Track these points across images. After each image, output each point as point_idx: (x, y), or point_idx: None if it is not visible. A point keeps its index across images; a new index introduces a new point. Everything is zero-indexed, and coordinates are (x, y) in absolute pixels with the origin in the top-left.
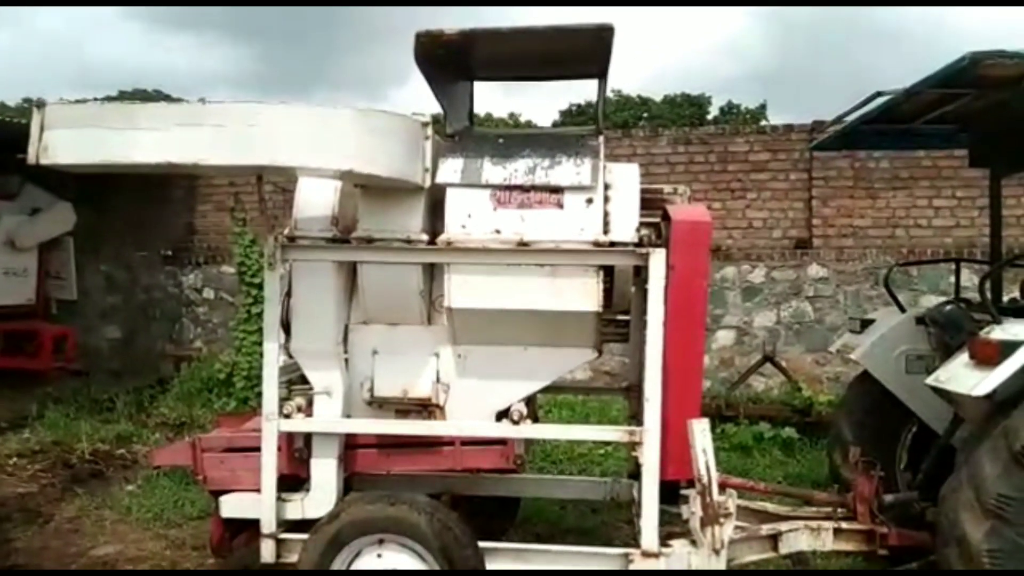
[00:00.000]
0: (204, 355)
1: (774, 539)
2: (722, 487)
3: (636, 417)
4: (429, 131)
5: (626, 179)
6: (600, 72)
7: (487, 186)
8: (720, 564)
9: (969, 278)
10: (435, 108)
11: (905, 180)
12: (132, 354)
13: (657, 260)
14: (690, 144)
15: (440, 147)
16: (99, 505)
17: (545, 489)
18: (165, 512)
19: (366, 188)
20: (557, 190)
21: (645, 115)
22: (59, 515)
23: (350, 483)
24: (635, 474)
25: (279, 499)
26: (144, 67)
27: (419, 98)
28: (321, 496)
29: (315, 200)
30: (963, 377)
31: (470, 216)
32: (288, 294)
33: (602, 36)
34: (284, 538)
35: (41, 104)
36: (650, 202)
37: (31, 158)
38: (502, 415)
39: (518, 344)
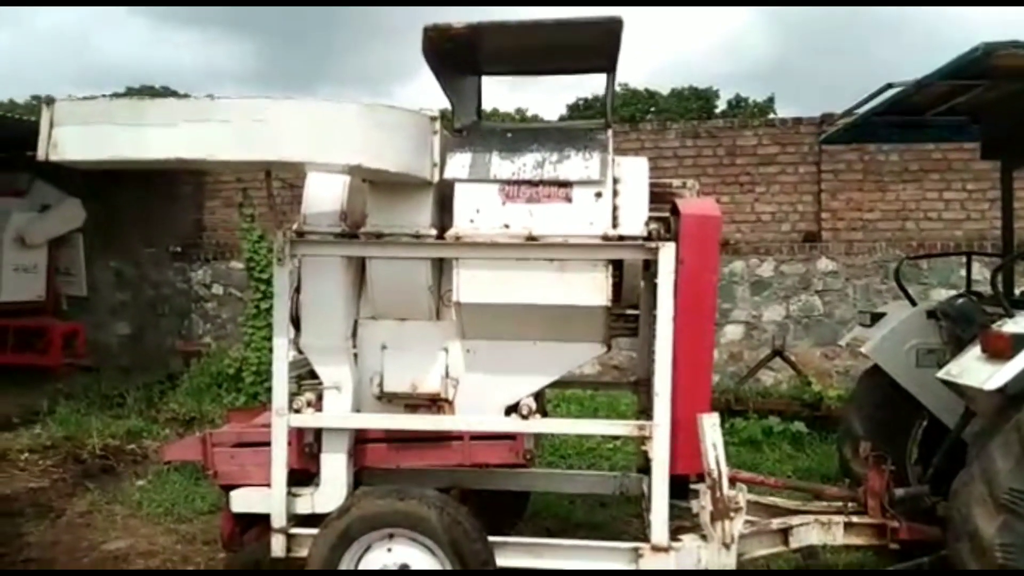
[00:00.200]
0: (213, 350)
1: (784, 533)
2: (732, 481)
3: (646, 412)
4: (437, 126)
5: (635, 173)
6: (609, 66)
7: (495, 181)
8: (730, 558)
9: (979, 271)
10: (442, 103)
11: (915, 173)
12: (142, 350)
13: (666, 254)
14: (698, 138)
15: (448, 142)
16: (110, 500)
17: (554, 483)
18: (176, 507)
19: (375, 183)
20: (566, 184)
21: (652, 109)
22: (70, 510)
23: (360, 478)
24: (644, 468)
25: (289, 494)
26: (152, 64)
27: (424, 95)
28: (331, 491)
29: (324, 195)
30: (975, 371)
31: (478, 211)
32: (297, 289)
33: (611, 29)
34: (294, 533)
35: (50, 101)
36: (659, 196)
37: (41, 155)
38: (511, 410)
39: (527, 339)
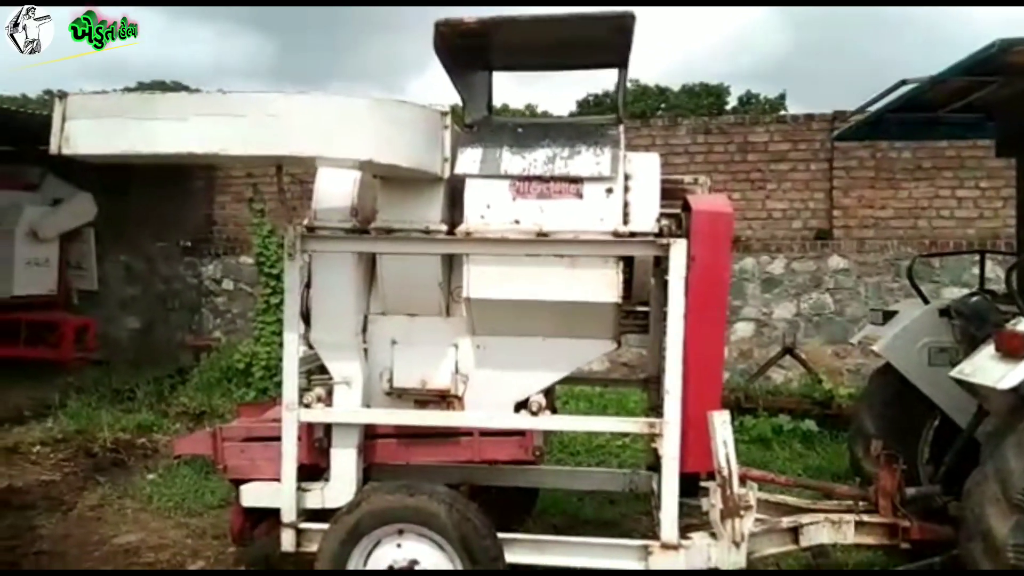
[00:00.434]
0: (223, 345)
1: (795, 532)
2: (742, 480)
3: (656, 409)
4: (448, 121)
5: (646, 169)
6: (621, 61)
7: (506, 176)
8: (740, 557)
9: (992, 269)
10: (453, 98)
11: (928, 170)
12: (152, 344)
13: (678, 251)
14: (709, 134)
15: (459, 137)
16: (121, 494)
17: (563, 480)
18: (186, 501)
19: (385, 179)
20: (577, 180)
21: (663, 105)
22: (81, 503)
23: (369, 473)
24: (654, 466)
25: (299, 489)
26: (163, 59)
27: (435, 89)
28: (341, 486)
29: (334, 191)
30: (989, 370)
31: (489, 206)
32: (307, 285)
33: (623, 24)
34: (304, 527)
35: (62, 95)
36: (670, 192)
37: (53, 149)
38: (521, 406)
39: (537, 335)
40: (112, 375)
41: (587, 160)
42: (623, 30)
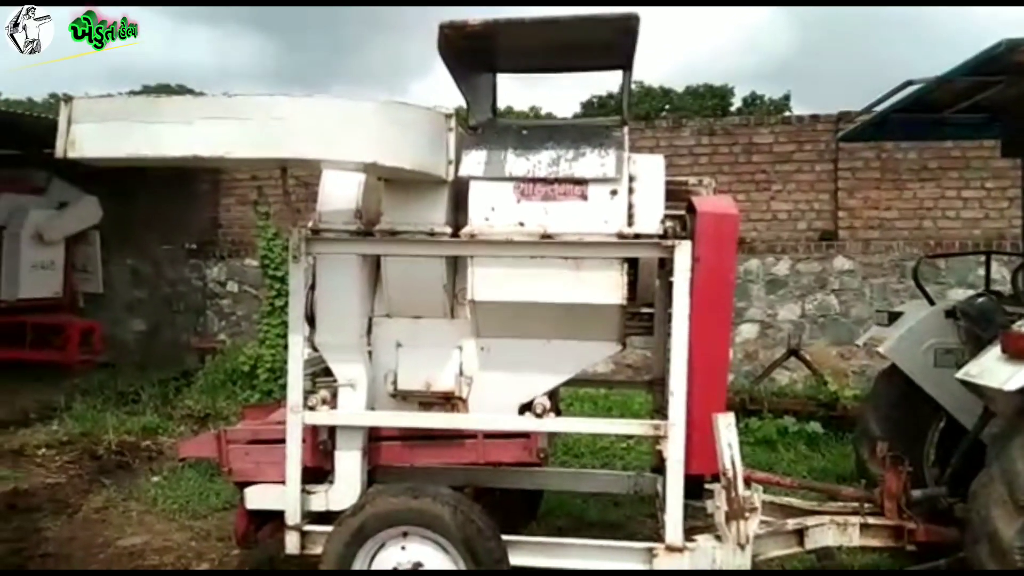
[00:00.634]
0: (228, 348)
1: (800, 534)
2: (747, 482)
3: (661, 411)
4: (452, 123)
5: (651, 171)
6: (625, 63)
7: (510, 178)
8: (745, 559)
9: (998, 270)
10: (457, 100)
11: (933, 171)
12: (157, 347)
13: (682, 253)
14: (714, 135)
15: (463, 139)
16: (126, 496)
17: (568, 482)
18: (190, 503)
19: (389, 181)
20: (581, 182)
21: (667, 107)
22: (87, 505)
23: (373, 475)
24: (659, 468)
25: (303, 491)
26: (168, 62)
27: (440, 91)
28: (345, 488)
29: (339, 193)
30: (995, 371)
31: (493, 208)
32: (312, 287)
33: (628, 26)
34: (308, 530)
35: (68, 99)
36: (675, 194)
37: (58, 152)
38: (525, 408)
39: (541, 337)
40: (117, 378)
41: (591, 162)
42: (627, 32)
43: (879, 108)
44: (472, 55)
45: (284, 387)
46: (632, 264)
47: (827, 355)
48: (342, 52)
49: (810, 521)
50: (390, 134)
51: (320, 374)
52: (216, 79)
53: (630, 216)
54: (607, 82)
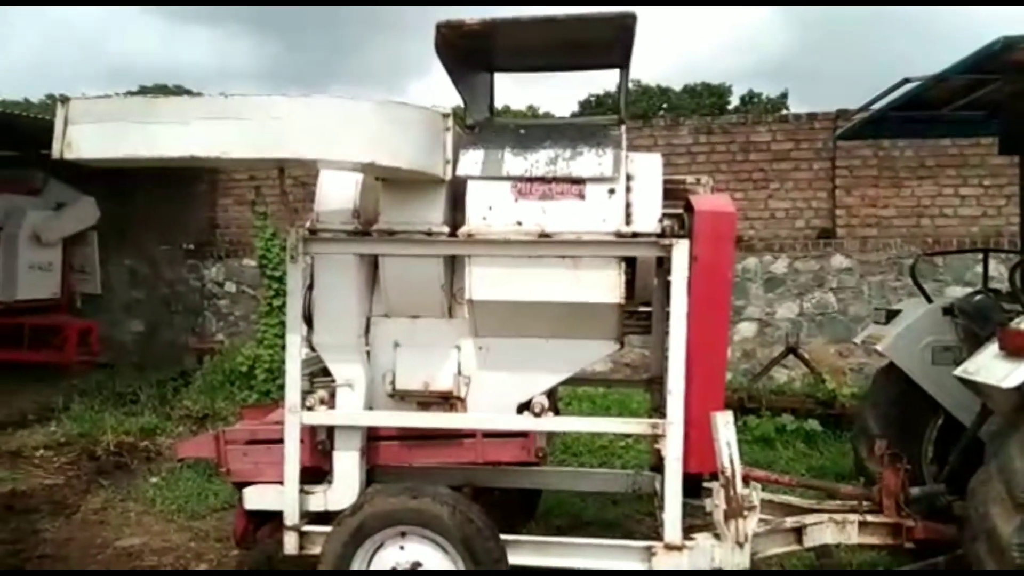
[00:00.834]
0: (226, 348)
1: (798, 532)
2: (746, 480)
3: (659, 409)
4: (449, 123)
5: (648, 169)
6: (622, 62)
7: (508, 178)
8: (744, 557)
9: (996, 268)
10: (455, 100)
11: (931, 168)
12: (155, 347)
13: (680, 251)
14: (711, 134)
15: (461, 139)
16: (124, 497)
17: (566, 481)
18: (189, 504)
19: (387, 181)
20: (579, 181)
21: (665, 105)
22: (85, 506)
23: (372, 475)
24: (657, 467)
25: (302, 491)
26: (165, 62)
27: (438, 90)
28: (344, 488)
29: (336, 193)
30: (992, 368)
31: (491, 208)
32: (310, 287)
33: (625, 25)
34: (307, 530)
35: (64, 100)
36: (673, 192)
37: (55, 153)
38: (523, 407)
39: (539, 336)
40: (115, 378)
41: (589, 161)
42: (624, 30)
43: (876, 106)
44: (469, 54)
45: (282, 387)
46: (630, 263)
47: (825, 353)
48: (341, 52)
49: (809, 519)
50: (387, 134)
51: (318, 374)
52: (214, 79)
53: (628, 215)
54: (605, 81)
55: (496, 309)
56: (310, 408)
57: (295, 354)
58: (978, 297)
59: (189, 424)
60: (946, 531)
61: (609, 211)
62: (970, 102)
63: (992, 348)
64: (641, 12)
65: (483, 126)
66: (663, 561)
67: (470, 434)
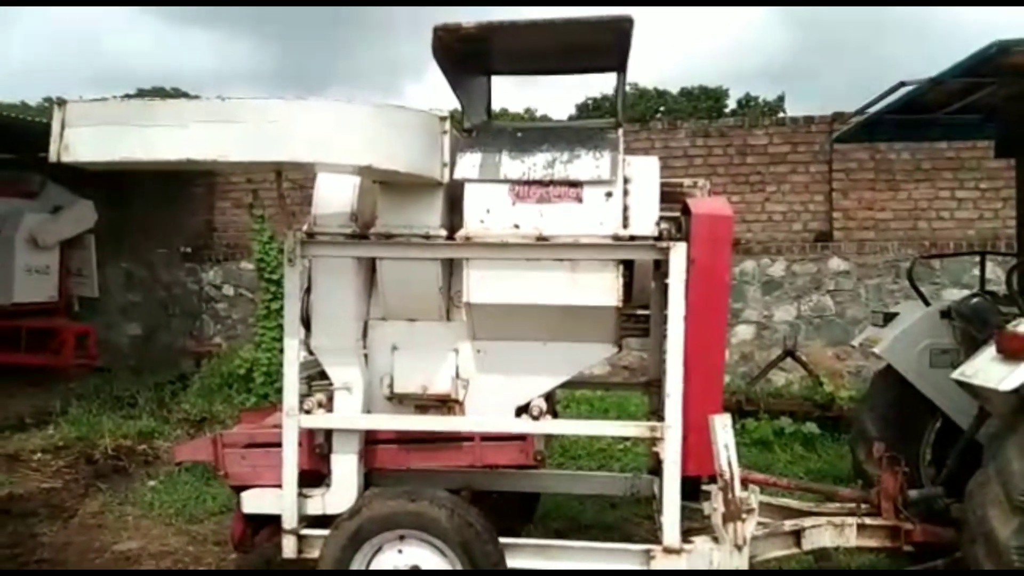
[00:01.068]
0: (224, 351)
1: (797, 535)
2: (744, 483)
3: (657, 412)
4: (447, 126)
5: (646, 172)
6: (619, 65)
7: (505, 181)
8: (742, 560)
9: (993, 271)
10: (452, 103)
11: (927, 172)
12: (153, 350)
13: (677, 254)
14: (709, 137)
15: (458, 142)
16: (122, 501)
17: (564, 484)
18: (187, 507)
19: (385, 184)
20: (576, 184)
21: (662, 108)
22: (82, 510)
23: (370, 479)
24: (655, 470)
25: (300, 495)
26: (163, 65)
27: (436, 93)
28: (342, 492)
29: (334, 196)
30: (990, 371)
31: (489, 211)
32: (308, 290)
33: (622, 28)
34: (305, 534)
35: (62, 103)
36: (670, 195)
37: (52, 156)
38: (521, 410)
39: (537, 339)
40: (113, 382)
41: (586, 164)
42: (621, 34)
43: (873, 109)
44: (466, 57)
45: (280, 391)
46: (628, 266)
47: (823, 356)
48: (338, 54)
49: (807, 522)
50: (385, 137)
51: (316, 377)
52: (212, 82)
53: (625, 218)
54: (602, 84)
55: (494, 312)
56: (308, 411)
57: (293, 357)
58: (975, 300)
59: (187, 428)
60: (944, 534)
61: (606, 214)
62: (966, 105)
63: (989, 351)
64: (638, 15)
65: (480, 129)
66: (662, 564)
67: (468, 437)
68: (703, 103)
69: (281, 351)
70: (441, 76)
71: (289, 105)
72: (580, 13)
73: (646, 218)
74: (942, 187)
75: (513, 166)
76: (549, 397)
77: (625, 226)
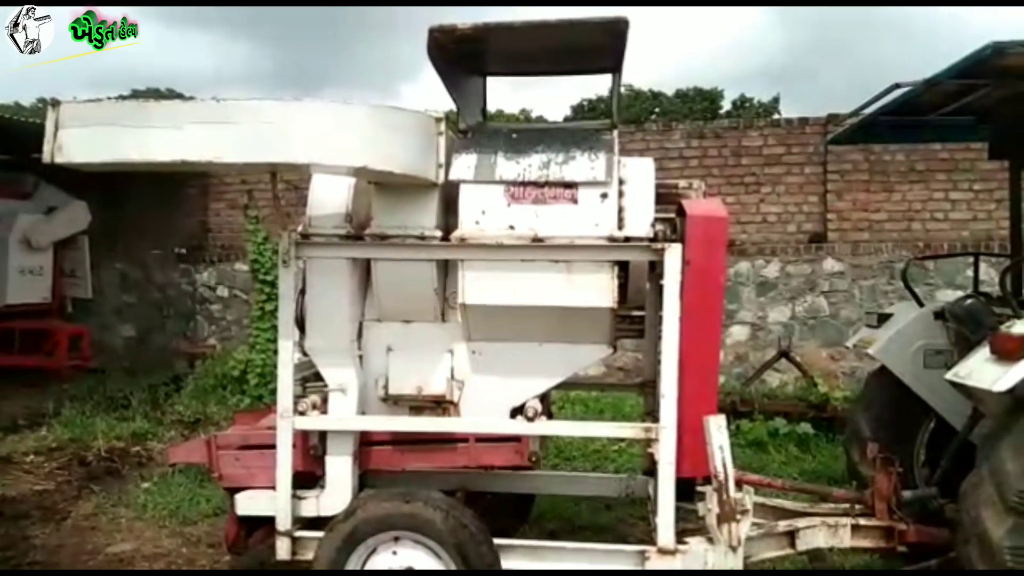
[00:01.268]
0: (218, 352)
1: (791, 536)
2: (738, 484)
3: (652, 413)
4: (442, 127)
5: (641, 174)
6: (614, 66)
7: (501, 182)
8: (737, 561)
9: (987, 272)
10: (447, 104)
11: (921, 173)
12: (147, 352)
13: (672, 255)
14: (704, 138)
15: (453, 143)
16: (115, 502)
17: (559, 486)
18: (180, 509)
19: (380, 185)
20: (571, 185)
21: (657, 110)
22: (76, 512)
23: (365, 480)
24: (650, 471)
25: (294, 496)
26: (157, 66)
27: (431, 94)
28: (336, 493)
29: (329, 197)
30: (984, 372)
31: (484, 212)
32: (302, 291)
33: (617, 30)
34: (299, 535)
35: (56, 103)
36: (665, 197)
37: (46, 157)
38: (516, 412)
39: (533, 340)
40: (107, 383)
41: (582, 165)
42: (617, 35)
43: (867, 111)
44: (462, 59)
45: (274, 392)
46: (623, 267)
47: (817, 357)
48: (333, 55)
49: (801, 523)
50: (380, 138)
51: (311, 379)
52: (208, 83)
53: (620, 219)
54: (597, 85)
55: (489, 313)
56: (302, 413)
57: (287, 359)
58: (969, 301)
59: (181, 429)
60: (938, 534)
61: (602, 215)
62: (960, 107)
63: (983, 352)
64: (633, 15)
65: (476, 130)
66: (656, 565)
67: (463, 438)
68: (698, 104)
69: (275, 352)
70: (437, 77)
71: (284, 106)
72: (575, 14)
73: (641, 219)
74: (936, 189)
75: (508, 167)
76: (544, 398)
77: (620, 227)
